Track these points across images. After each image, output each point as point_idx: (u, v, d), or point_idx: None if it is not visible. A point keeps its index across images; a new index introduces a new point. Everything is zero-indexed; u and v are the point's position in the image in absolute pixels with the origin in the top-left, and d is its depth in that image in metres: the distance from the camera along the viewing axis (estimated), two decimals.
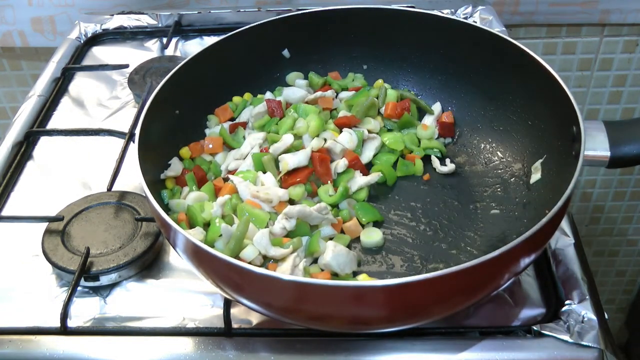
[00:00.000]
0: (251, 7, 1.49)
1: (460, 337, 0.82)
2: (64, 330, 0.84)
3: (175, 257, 0.95)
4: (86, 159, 1.14)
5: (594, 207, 1.97)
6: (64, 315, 0.85)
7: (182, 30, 1.47)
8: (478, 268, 0.67)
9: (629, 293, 2.19)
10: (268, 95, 1.10)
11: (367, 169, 1.02)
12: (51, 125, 1.22)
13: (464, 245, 0.91)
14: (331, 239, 0.90)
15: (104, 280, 0.90)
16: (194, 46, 1.43)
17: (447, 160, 1.04)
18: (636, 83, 1.71)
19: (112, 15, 1.48)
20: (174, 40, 1.44)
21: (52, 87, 1.30)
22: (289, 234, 0.88)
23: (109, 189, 1.02)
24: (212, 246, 0.84)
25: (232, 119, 1.08)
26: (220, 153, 1.02)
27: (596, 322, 0.81)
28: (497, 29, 1.36)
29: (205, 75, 1.04)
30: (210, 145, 1.02)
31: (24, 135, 1.17)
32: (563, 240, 0.92)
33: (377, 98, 1.09)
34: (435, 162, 1.04)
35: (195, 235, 0.84)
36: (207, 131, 1.06)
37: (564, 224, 0.94)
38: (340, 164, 0.98)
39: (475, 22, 1.31)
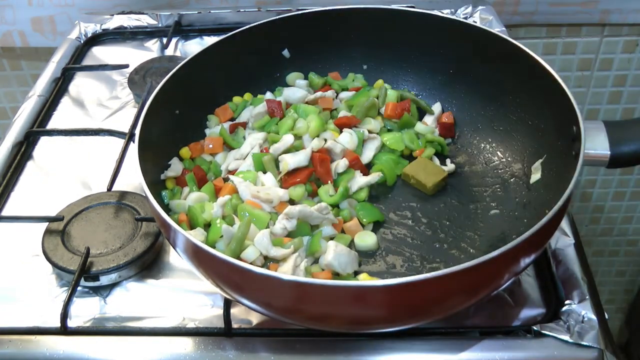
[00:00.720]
0: (251, 7, 1.49)
1: (460, 337, 0.82)
2: (64, 330, 0.84)
3: (175, 257, 0.95)
4: (86, 159, 1.14)
5: (594, 207, 1.97)
6: (64, 315, 0.85)
7: (182, 30, 1.47)
8: (478, 268, 0.67)
9: (629, 293, 2.19)
10: (268, 95, 1.10)
11: (367, 169, 1.02)
12: (51, 125, 1.22)
13: (464, 245, 0.91)
14: (332, 239, 0.90)
15: (104, 280, 0.90)
16: (194, 46, 1.43)
17: (447, 160, 1.04)
18: (636, 83, 1.71)
19: (112, 15, 1.48)
20: (174, 40, 1.44)
21: (52, 87, 1.30)
22: (290, 234, 0.88)
23: (109, 189, 1.02)
24: (213, 247, 0.84)
25: (232, 119, 1.08)
26: (220, 153, 1.02)
27: (596, 322, 0.81)
28: (497, 29, 1.36)
29: (205, 75, 1.04)
30: (211, 146, 1.02)
31: (24, 135, 1.17)
32: (563, 240, 0.92)
33: (377, 98, 1.09)
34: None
35: (196, 236, 0.84)
36: (207, 131, 1.06)
37: (564, 224, 0.94)
38: (341, 164, 0.98)
39: (475, 22, 1.31)
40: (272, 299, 0.74)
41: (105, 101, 1.28)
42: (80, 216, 0.98)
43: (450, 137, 1.09)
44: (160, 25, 1.48)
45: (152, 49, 1.43)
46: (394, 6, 1.11)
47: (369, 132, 1.05)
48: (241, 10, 1.48)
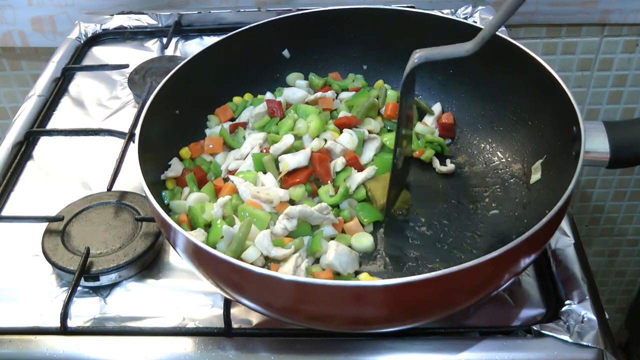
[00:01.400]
0: (251, 7, 1.50)
1: (460, 337, 0.82)
2: (64, 330, 0.84)
3: (175, 257, 0.95)
4: (86, 159, 1.14)
5: (594, 207, 1.97)
6: (64, 315, 0.85)
7: (182, 30, 1.47)
8: (478, 268, 0.67)
9: (629, 293, 2.19)
10: (268, 95, 1.10)
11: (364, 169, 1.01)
12: (51, 125, 1.22)
13: (464, 245, 0.91)
14: (332, 239, 0.90)
15: (104, 280, 0.90)
16: (194, 46, 1.43)
17: (447, 160, 1.04)
18: (636, 83, 1.71)
19: (112, 15, 1.48)
20: (174, 40, 1.44)
21: (52, 87, 1.30)
22: (290, 234, 0.88)
23: (109, 189, 1.02)
24: (214, 248, 0.84)
25: (232, 119, 1.08)
26: (220, 153, 1.02)
27: (596, 322, 0.81)
28: None
29: (205, 75, 1.04)
30: (211, 146, 1.02)
31: (24, 135, 1.17)
32: (563, 240, 0.92)
33: (377, 98, 1.09)
34: (435, 162, 1.04)
35: (197, 237, 0.84)
36: (207, 131, 1.06)
37: (564, 224, 0.94)
38: (338, 162, 0.98)
39: (475, 22, 1.32)
40: (272, 299, 0.74)
41: (105, 101, 1.28)
42: (80, 216, 0.98)
43: (450, 138, 1.09)
44: (160, 25, 1.48)
45: (152, 49, 1.43)
46: (394, 6, 1.11)
47: (369, 132, 1.05)
48: (241, 10, 1.48)
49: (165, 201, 0.93)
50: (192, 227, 0.89)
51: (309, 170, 0.95)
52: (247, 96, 1.11)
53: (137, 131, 0.87)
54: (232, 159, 1.01)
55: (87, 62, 1.40)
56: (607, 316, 0.83)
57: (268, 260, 0.85)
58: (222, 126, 1.05)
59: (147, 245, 0.93)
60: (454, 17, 1.12)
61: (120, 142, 1.10)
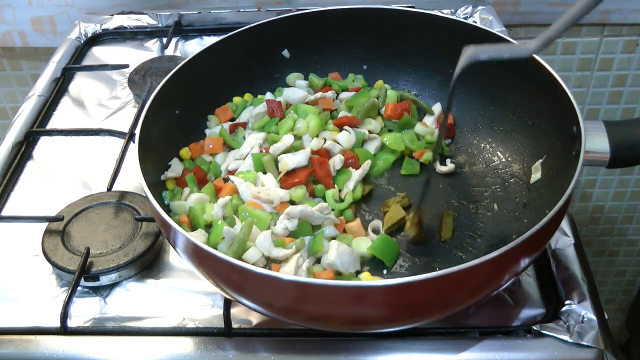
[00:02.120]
0: (251, 7, 1.50)
1: (460, 337, 0.82)
2: (64, 330, 0.84)
3: (175, 257, 0.95)
4: (86, 159, 1.14)
5: (594, 207, 1.97)
6: (64, 315, 0.85)
7: (182, 30, 1.47)
8: (478, 268, 0.67)
9: (629, 293, 2.19)
10: (268, 95, 1.10)
11: None
12: (51, 125, 1.22)
13: (464, 245, 0.91)
14: (333, 239, 0.90)
15: (104, 280, 0.90)
16: (194, 46, 1.43)
17: (447, 160, 1.04)
18: (636, 83, 1.71)
19: (112, 15, 1.48)
20: (174, 40, 1.44)
21: (52, 87, 1.30)
22: (291, 234, 0.88)
23: (109, 189, 1.02)
24: (215, 248, 0.84)
25: (232, 120, 1.08)
26: (220, 153, 1.02)
27: (596, 322, 0.81)
28: (497, 29, 1.36)
29: (205, 75, 1.04)
30: (211, 146, 1.02)
31: (24, 135, 1.17)
32: (563, 240, 0.92)
33: (377, 99, 1.09)
34: (435, 162, 1.04)
35: (198, 238, 0.84)
36: (207, 131, 1.06)
37: (564, 224, 0.94)
38: (337, 160, 0.98)
39: (475, 22, 1.32)
40: (273, 299, 0.74)
41: (105, 101, 1.28)
42: (80, 216, 0.98)
43: (450, 137, 1.09)
44: (160, 25, 1.48)
45: (152, 49, 1.43)
46: (394, 6, 1.11)
47: (369, 132, 1.05)
48: (241, 10, 1.48)
49: (166, 202, 0.93)
50: (193, 228, 0.89)
51: (309, 170, 0.95)
52: (247, 96, 1.11)
53: (137, 131, 0.87)
54: (232, 159, 1.01)
55: (87, 62, 1.40)
56: (607, 316, 0.83)
57: (269, 261, 0.85)
58: (222, 126, 1.05)
59: (147, 245, 0.93)
60: (454, 17, 1.11)
61: (120, 142, 1.10)
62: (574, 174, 0.76)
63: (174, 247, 0.80)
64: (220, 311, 0.85)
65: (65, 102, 1.28)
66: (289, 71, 1.15)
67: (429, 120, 1.09)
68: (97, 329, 0.85)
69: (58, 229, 0.95)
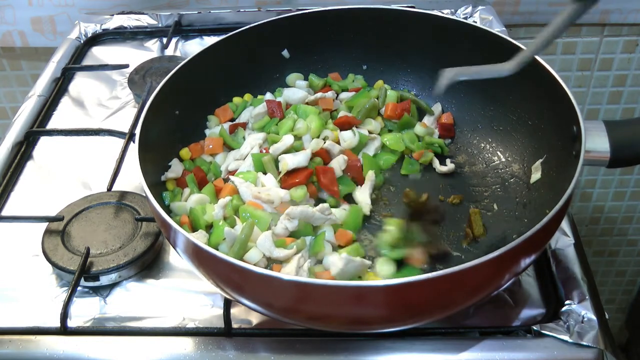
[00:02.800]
0: (251, 7, 1.50)
1: (460, 337, 0.82)
2: (64, 330, 0.84)
3: (175, 257, 0.95)
4: (86, 159, 1.14)
5: (594, 207, 1.97)
6: (64, 315, 0.85)
7: (182, 30, 1.47)
8: (478, 268, 0.67)
9: (629, 293, 2.19)
10: (268, 96, 1.10)
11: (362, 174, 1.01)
12: (51, 125, 1.22)
13: (464, 245, 0.91)
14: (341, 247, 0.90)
15: (104, 280, 0.90)
16: (194, 46, 1.43)
17: (447, 160, 1.04)
18: (636, 83, 1.71)
19: (112, 15, 1.48)
20: (174, 40, 1.44)
21: (52, 87, 1.30)
22: (292, 234, 0.88)
23: (109, 189, 1.02)
24: (216, 249, 0.84)
25: (232, 120, 1.08)
26: (220, 154, 1.02)
27: (596, 322, 0.81)
28: (497, 29, 1.36)
29: (205, 75, 1.04)
30: (211, 146, 1.02)
31: (24, 135, 1.17)
32: (563, 240, 0.92)
33: (377, 99, 1.09)
34: (435, 162, 1.04)
35: (199, 238, 0.84)
36: (207, 131, 1.06)
37: (564, 224, 0.94)
38: (340, 162, 0.97)
39: (475, 22, 1.31)
40: (273, 299, 0.74)
41: (105, 101, 1.28)
42: (80, 216, 0.98)
43: (450, 137, 1.09)
44: (160, 25, 1.48)
45: (152, 49, 1.43)
46: (394, 6, 1.11)
47: (370, 132, 1.05)
48: (241, 10, 1.48)
49: (166, 202, 0.93)
50: (194, 228, 0.89)
51: (309, 171, 0.95)
52: (247, 96, 1.11)
53: (137, 131, 0.87)
54: (232, 159, 1.01)
55: (87, 62, 1.40)
56: (607, 316, 0.83)
57: (270, 262, 0.85)
58: (222, 126, 1.05)
59: (147, 245, 0.93)
60: (454, 17, 1.12)
61: (120, 142, 1.10)
62: (574, 174, 0.76)
63: (174, 248, 0.80)
64: (220, 311, 0.85)
65: (65, 102, 1.28)
66: (289, 71, 1.15)
67: (429, 120, 1.09)
68: (97, 329, 0.85)
69: (58, 229, 0.95)
